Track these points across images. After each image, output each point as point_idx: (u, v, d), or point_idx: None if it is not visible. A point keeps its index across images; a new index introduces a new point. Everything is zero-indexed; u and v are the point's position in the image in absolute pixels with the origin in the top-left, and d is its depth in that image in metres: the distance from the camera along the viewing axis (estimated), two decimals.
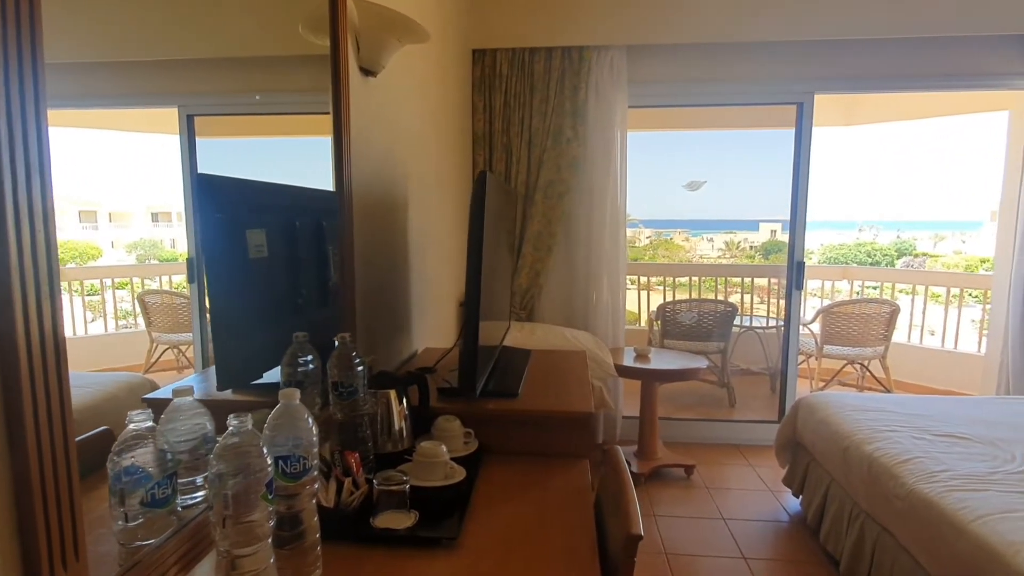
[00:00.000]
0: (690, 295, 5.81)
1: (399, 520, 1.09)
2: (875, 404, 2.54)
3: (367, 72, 1.55)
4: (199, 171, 1.12)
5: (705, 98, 3.50)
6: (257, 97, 1.36)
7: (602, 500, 1.34)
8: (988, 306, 4.36)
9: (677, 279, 5.73)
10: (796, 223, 3.48)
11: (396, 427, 1.37)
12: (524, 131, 3.36)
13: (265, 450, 0.80)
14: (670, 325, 4.44)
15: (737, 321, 5.09)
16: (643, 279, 5.86)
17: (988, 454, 2.04)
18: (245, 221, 1.28)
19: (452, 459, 1.33)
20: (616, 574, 1.06)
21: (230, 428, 0.79)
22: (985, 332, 4.30)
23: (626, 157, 3.42)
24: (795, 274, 3.50)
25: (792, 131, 3.45)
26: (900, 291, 5.39)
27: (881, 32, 3.11)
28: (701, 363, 3.13)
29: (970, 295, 5.42)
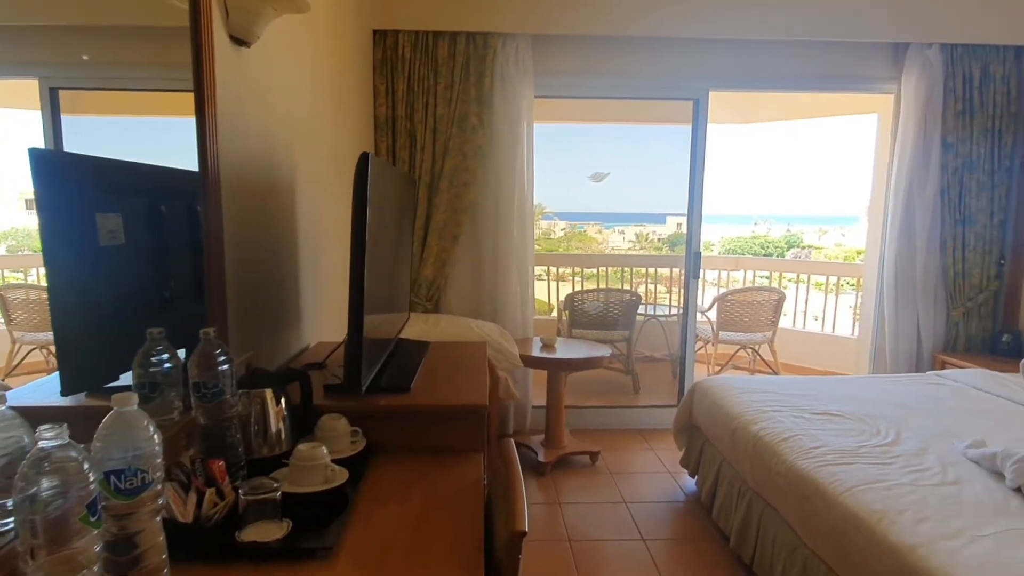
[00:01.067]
0: (598, 285, 5.94)
1: (269, 532, 1.00)
2: (761, 386, 2.69)
3: (239, 41, 1.42)
4: (44, 148, 0.98)
5: (608, 91, 3.56)
6: (132, 70, 1.22)
7: (493, 496, 1.31)
8: (861, 294, 4.77)
9: (588, 270, 5.86)
10: (693, 216, 3.62)
11: (273, 429, 1.27)
12: (428, 117, 3.27)
13: (87, 465, 0.69)
14: (578, 315, 4.51)
15: (641, 310, 5.27)
16: (556, 270, 5.95)
17: (857, 429, 2.20)
18: (95, 203, 1.13)
19: (336, 460, 1.25)
20: (500, 571, 1.03)
21: (39, 442, 0.67)
22: (858, 317, 4.70)
23: (532, 147, 3.42)
24: (692, 264, 3.64)
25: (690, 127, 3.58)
26: (788, 280, 5.79)
27: (770, 34, 3.28)
28: (604, 352, 3.20)
29: (847, 283, 5.92)
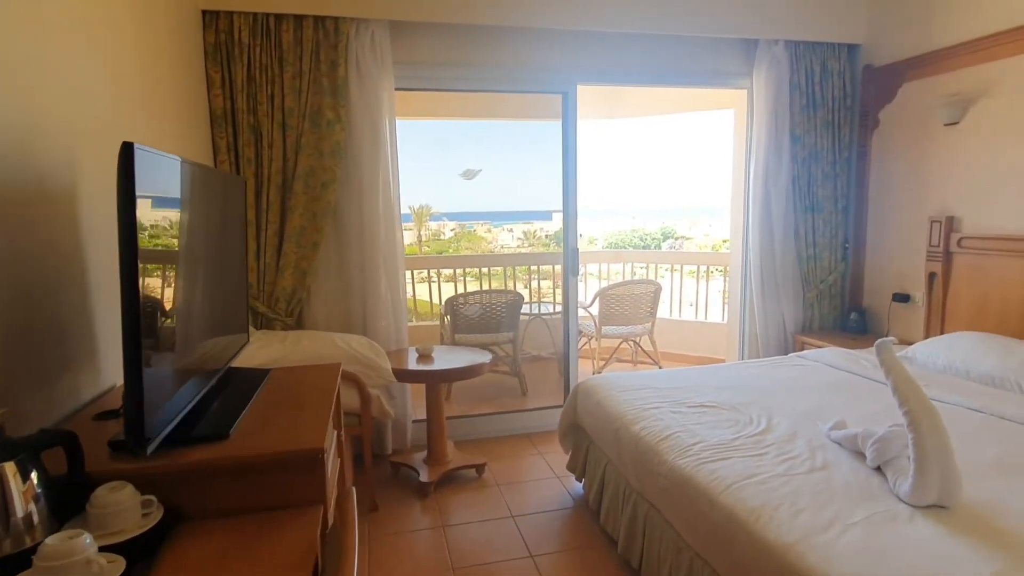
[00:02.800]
0: (483, 286, 5.80)
1: None
2: (641, 382, 2.66)
3: None
4: None
5: (475, 84, 3.38)
6: None
7: (325, 558, 1.08)
8: (728, 280, 5.00)
9: (480, 270, 5.70)
10: (568, 212, 3.56)
11: (19, 515, 0.95)
12: (275, 111, 2.92)
13: None
14: (460, 319, 4.33)
15: (527, 309, 5.20)
16: (452, 271, 5.73)
17: (732, 419, 2.20)
18: None
19: (119, 544, 0.96)
20: None
21: None
22: (727, 304, 4.92)
23: (396, 143, 3.17)
24: (571, 261, 3.58)
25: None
26: (663, 270, 5.99)
27: (634, 27, 3.27)
28: (485, 358, 3.03)
29: (716, 271, 6.24)
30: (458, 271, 5.72)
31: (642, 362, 5.02)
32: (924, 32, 3.19)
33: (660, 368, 4.70)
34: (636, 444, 2.15)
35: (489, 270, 5.65)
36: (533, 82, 3.44)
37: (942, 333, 3.10)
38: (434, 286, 5.65)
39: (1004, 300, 2.82)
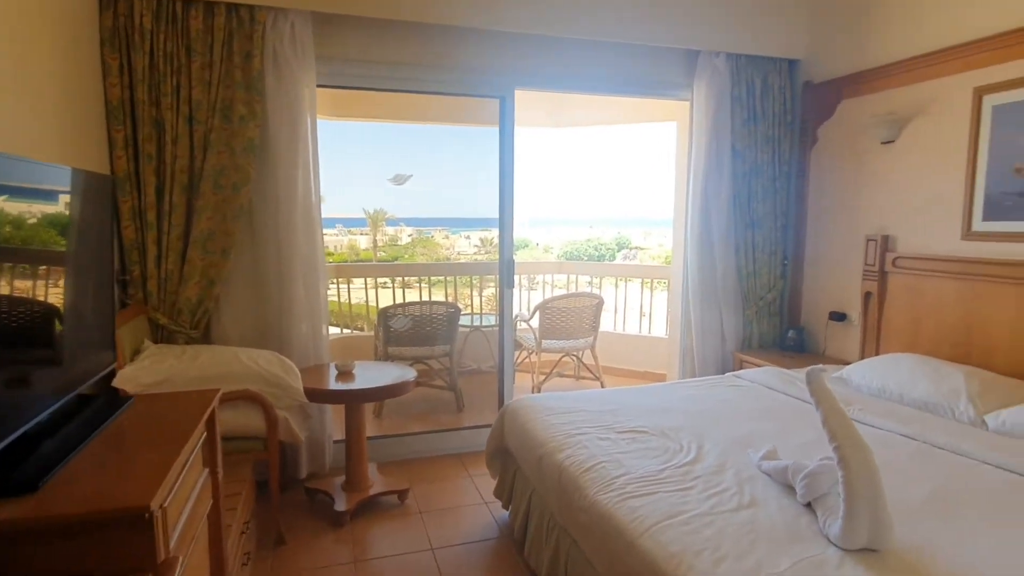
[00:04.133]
0: (436, 294, 5.59)
1: None
2: (571, 404, 2.51)
3: None
4: None
5: (406, 83, 3.18)
6: None
7: None
8: (669, 295, 4.94)
9: (431, 278, 5.48)
10: (504, 221, 3.40)
11: None
12: (181, 103, 2.66)
13: None
14: (392, 331, 4.10)
15: (468, 320, 5.02)
16: (405, 279, 5.50)
17: (661, 447, 2.07)
18: None
19: None
20: None
21: None
22: (669, 318, 4.86)
23: (316, 142, 2.95)
24: (506, 273, 3.42)
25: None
26: (608, 283, 5.91)
27: (575, 33, 3.15)
28: (409, 375, 2.83)
29: (662, 284, 6.19)
30: (412, 279, 5.50)
31: (584, 377, 4.90)
32: (861, 50, 3.18)
33: (602, 383, 4.59)
34: (559, 475, 1.99)
35: (444, 279, 5.44)
36: (469, 85, 3.27)
37: (877, 353, 3.07)
38: (387, 292, 5.42)
39: (938, 322, 2.81)
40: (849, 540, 1.42)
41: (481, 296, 5.87)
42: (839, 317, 3.37)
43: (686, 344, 3.70)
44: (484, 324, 4.99)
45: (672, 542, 1.48)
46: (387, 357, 4.12)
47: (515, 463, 2.53)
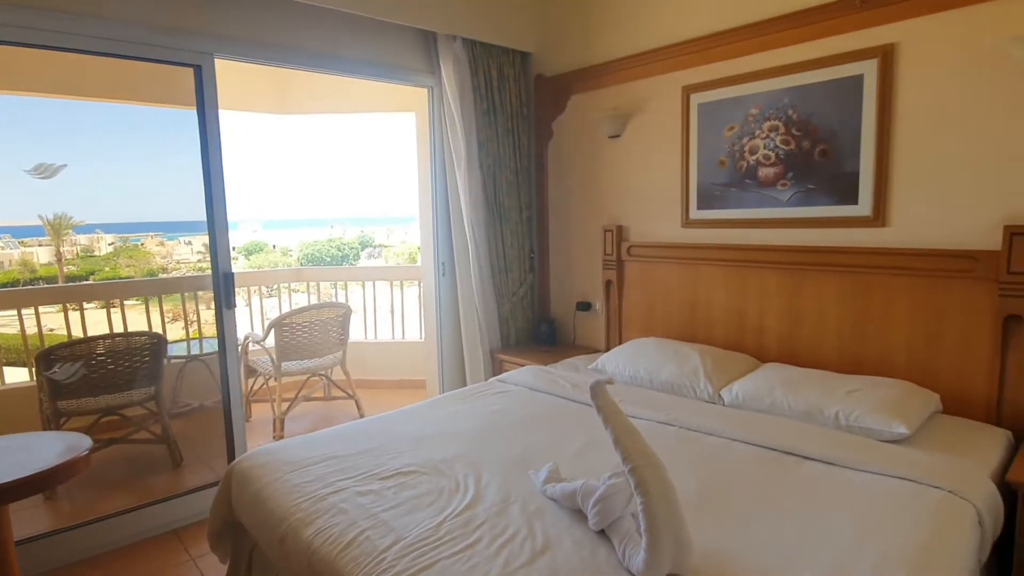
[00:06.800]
0: (157, 314, 4.35)
1: None
2: (321, 450, 2.02)
3: None
4: None
5: (58, 40, 2.25)
6: None
7: None
8: (422, 296, 4.67)
9: (143, 297, 4.16)
10: (216, 224, 2.70)
11: None
12: None
13: None
14: (60, 382, 3.01)
15: (183, 350, 4.05)
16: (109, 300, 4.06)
17: (435, 490, 1.74)
18: None
19: None
20: None
21: None
22: (423, 320, 4.59)
23: None
24: (223, 289, 2.72)
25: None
26: (356, 284, 5.40)
27: None
28: (81, 448, 1.99)
29: (412, 282, 5.91)
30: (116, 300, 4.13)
31: (336, 397, 4.35)
32: (587, 46, 3.28)
33: (357, 402, 4.11)
34: (310, 559, 1.52)
35: (156, 297, 4.22)
36: (152, 47, 2.47)
37: (621, 339, 3.22)
38: (93, 315, 3.99)
39: (667, 304, 3.02)
40: (655, 571, 1.26)
41: (207, 315, 4.82)
42: (585, 307, 3.47)
43: (443, 347, 3.46)
44: (205, 352, 4.07)
45: None
46: (57, 416, 3.01)
47: (251, 540, 1.95)
